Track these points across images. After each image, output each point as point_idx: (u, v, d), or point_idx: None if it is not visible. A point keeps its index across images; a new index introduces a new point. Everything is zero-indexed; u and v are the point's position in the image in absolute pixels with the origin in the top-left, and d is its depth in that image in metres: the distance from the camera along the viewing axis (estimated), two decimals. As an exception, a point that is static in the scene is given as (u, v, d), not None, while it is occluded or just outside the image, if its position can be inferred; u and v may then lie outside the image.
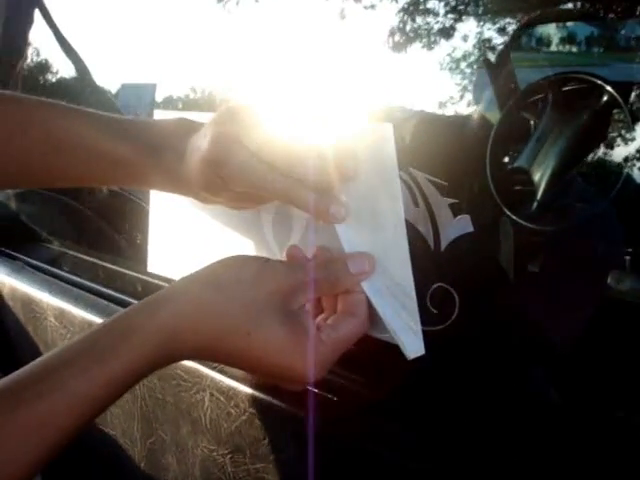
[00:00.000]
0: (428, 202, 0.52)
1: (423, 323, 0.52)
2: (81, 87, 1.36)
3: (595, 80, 0.99)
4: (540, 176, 0.78)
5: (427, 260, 0.52)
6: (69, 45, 1.27)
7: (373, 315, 0.47)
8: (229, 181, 0.47)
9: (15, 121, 0.54)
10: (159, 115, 0.60)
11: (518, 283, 0.58)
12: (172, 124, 0.54)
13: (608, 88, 0.98)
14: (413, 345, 0.46)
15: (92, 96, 1.35)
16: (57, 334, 0.83)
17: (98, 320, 0.75)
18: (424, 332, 0.52)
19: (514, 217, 0.68)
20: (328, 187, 0.46)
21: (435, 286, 0.52)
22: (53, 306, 0.83)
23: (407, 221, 0.52)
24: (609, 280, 0.79)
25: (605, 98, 0.98)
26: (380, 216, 0.46)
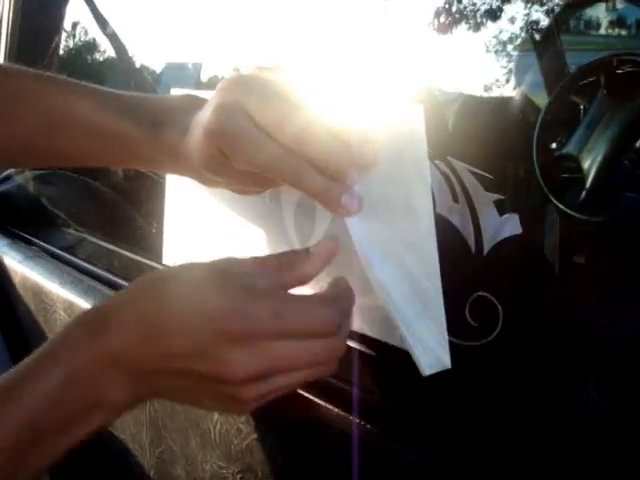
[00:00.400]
0: (470, 197, 0.45)
1: (460, 337, 0.46)
2: (121, 68, 1.33)
3: None
4: (590, 163, 0.72)
5: (467, 265, 0.45)
6: (107, 23, 1.23)
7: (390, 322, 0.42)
8: (230, 155, 0.42)
9: (9, 95, 0.52)
10: (175, 93, 0.55)
11: (572, 290, 0.50)
12: (176, 99, 0.50)
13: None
14: (431, 358, 0.41)
15: (129, 76, 1.32)
16: (66, 328, 0.78)
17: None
18: (461, 347, 0.46)
19: (561, 206, 0.62)
20: (342, 173, 0.41)
21: (475, 295, 0.45)
22: (62, 298, 0.78)
23: (445, 219, 0.46)
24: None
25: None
26: (404, 211, 0.40)
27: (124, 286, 0.79)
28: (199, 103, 0.48)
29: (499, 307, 0.44)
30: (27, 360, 0.39)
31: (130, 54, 1.33)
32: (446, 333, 0.41)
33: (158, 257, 0.80)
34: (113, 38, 1.23)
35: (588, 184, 0.69)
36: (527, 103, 0.78)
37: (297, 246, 0.52)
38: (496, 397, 0.45)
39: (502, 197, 0.43)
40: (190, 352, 0.37)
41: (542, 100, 0.78)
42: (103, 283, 0.80)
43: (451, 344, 0.46)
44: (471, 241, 0.45)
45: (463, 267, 0.45)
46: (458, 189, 0.45)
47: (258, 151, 0.41)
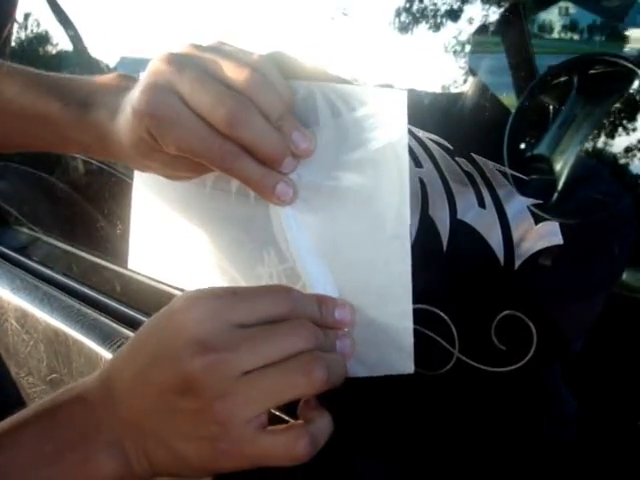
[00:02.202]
0: (499, 201, 0.39)
1: (484, 362, 0.40)
2: (77, 60, 1.26)
3: (626, 63, 0.88)
4: (562, 164, 0.69)
5: (494, 280, 0.40)
6: (64, 15, 1.17)
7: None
8: (160, 138, 0.39)
9: None
10: None
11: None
12: (107, 79, 0.48)
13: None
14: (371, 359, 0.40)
15: (87, 69, 1.25)
16: (18, 339, 0.70)
17: (65, 329, 0.62)
18: (485, 373, 0.40)
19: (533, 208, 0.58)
20: (277, 161, 0.39)
21: (504, 314, 0.39)
22: (15, 305, 0.70)
23: (468, 226, 0.40)
24: (625, 277, 0.68)
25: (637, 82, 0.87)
26: (370, 205, 0.39)
27: (83, 292, 0.71)
28: (131, 83, 0.44)
29: (532, 327, 0.38)
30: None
31: (85, 46, 1.27)
32: (410, 337, 0.38)
33: (119, 260, 0.72)
34: (69, 28, 1.17)
35: (560, 185, 0.66)
36: (495, 104, 0.74)
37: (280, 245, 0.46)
38: (528, 432, 0.39)
39: (540, 201, 0.38)
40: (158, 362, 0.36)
41: (510, 101, 0.74)
42: (60, 288, 0.72)
43: (473, 370, 0.40)
44: (500, 253, 0.39)
45: (490, 283, 0.40)
46: (485, 192, 0.39)
47: (189, 135, 0.38)
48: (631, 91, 0.76)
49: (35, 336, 0.66)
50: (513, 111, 0.69)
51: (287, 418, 0.42)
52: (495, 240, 0.39)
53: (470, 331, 0.40)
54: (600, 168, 0.70)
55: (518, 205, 0.38)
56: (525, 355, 0.38)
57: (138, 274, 0.62)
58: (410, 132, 0.42)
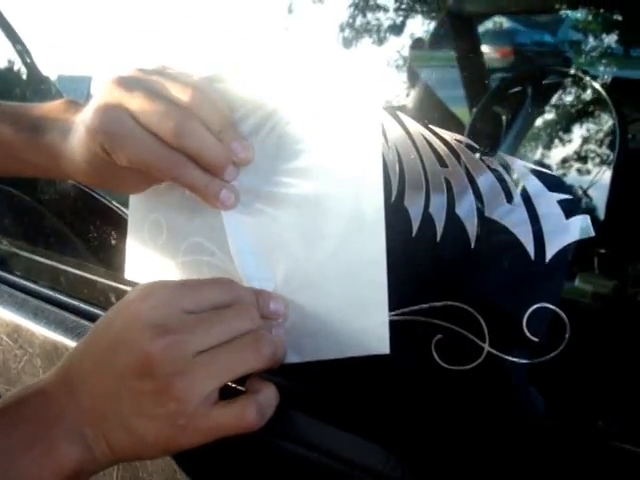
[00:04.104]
0: (528, 198, 0.40)
1: (516, 355, 0.41)
2: (27, 76, 1.24)
3: (579, 75, 0.91)
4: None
5: (525, 273, 0.41)
6: (11, 29, 1.14)
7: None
8: (112, 152, 0.44)
9: None
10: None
11: None
12: (56, 105, 0.52)
13: (594, 84, 0.90)
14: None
15: (36, 85, 1.23)
16: (10, 355, 0.67)
17: (65, 342, 0.60)
18: (517, 365, 0.41)
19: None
20: (220, 169, 0.44)
21: (535, 307, 0.40)
22: (6, 321, 0.68)
23: (498, 223, 0.41)
24: (577, 282, 0.71)
25: (589, 94, 0.90)
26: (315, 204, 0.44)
27: (73, 305, 0.70)
28: (79, 107, 0.50)
29: (565, 319, 0.39)
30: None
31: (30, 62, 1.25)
32: (384, 314, 0.41)
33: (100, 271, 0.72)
34: (18, 45, 1.15)
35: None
36: (448, 117, 0.76)
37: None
38: (565, 421, 0.40)
39: (569, 196, 0.39)
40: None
41: (463, 113, 0.77)
42: (48, 302, 0.70)
43: (504, 362, 0.41)
44: (530, 246, 0.40)
45: (521, 276, 0.41)
46: (513, 189, 0.41)
47: (139, 146, 0.43)
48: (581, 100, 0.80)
49: (30, 351, 0.64)
50: (468, 123, 0.71)
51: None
52: (524, 234, 0.40)
53: (501, 325, 0.41)
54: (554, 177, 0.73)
55: (548, 200, 0.39)
56: (558, 346, 0.39)
57: (131, 283, 0.62)
58: (435, 133, 0.43)
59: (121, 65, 0.49)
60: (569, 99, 0.78)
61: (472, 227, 0.42)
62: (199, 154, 0.43)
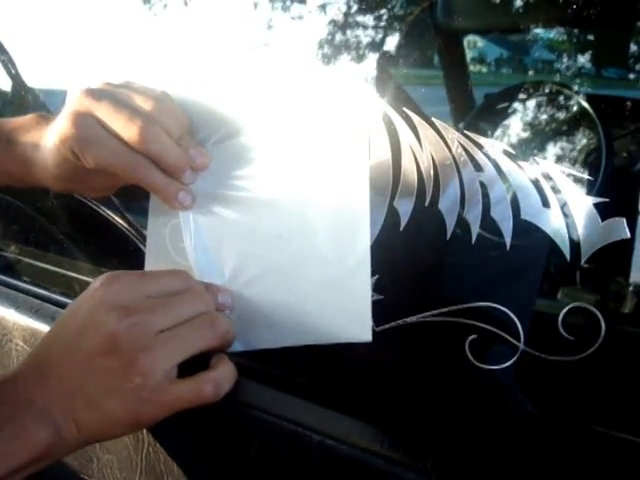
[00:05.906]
0: (564, 200, 0.41)
1: (552, 353, 0.42)
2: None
3: (564, 90, 0.94)
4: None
5: (561, 274, 0.42)
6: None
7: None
8: (81, 155, 0.48)
9: None
10: None
11: None
12: (28, 118, 0.56)
13: (579, 99, 0.93)
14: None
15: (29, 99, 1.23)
16: (26, 360, 0.67)
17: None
18: (553, 363, 0.42)
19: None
20: (179, 171, 0.48)
21: (570, 306, 0.41)
22: (22, 325, 0.67)
23: (534, 225, 0.42)
24: (559, 295, 0.73)
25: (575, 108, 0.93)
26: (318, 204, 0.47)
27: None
28: (49, 120, 0.54)
29: (600, 318, 0.40)
30: None
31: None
32: (367, 301, 0.44)
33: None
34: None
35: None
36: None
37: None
38: (601, 417, 0.41)
39: (605, 200, 0.40)
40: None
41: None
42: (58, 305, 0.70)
43: (541, 360, 0.42)
44: (565, 249, 0.41)
45: (557, 277, 0.42)
46: (549, 192, 0.42)
47: (106, 150, 0.47)
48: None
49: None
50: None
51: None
52: (560, 237, 0.41)
53: (536, 324, 0.42)
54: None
55: (583, 203, 0.41)
56: (593, 344, 0.41)
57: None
58: (470, 138, 0.44)
59: (91, 78, 0.52)
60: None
61: (507, 229, 0.43)
62: (160, 157, 0.47)
